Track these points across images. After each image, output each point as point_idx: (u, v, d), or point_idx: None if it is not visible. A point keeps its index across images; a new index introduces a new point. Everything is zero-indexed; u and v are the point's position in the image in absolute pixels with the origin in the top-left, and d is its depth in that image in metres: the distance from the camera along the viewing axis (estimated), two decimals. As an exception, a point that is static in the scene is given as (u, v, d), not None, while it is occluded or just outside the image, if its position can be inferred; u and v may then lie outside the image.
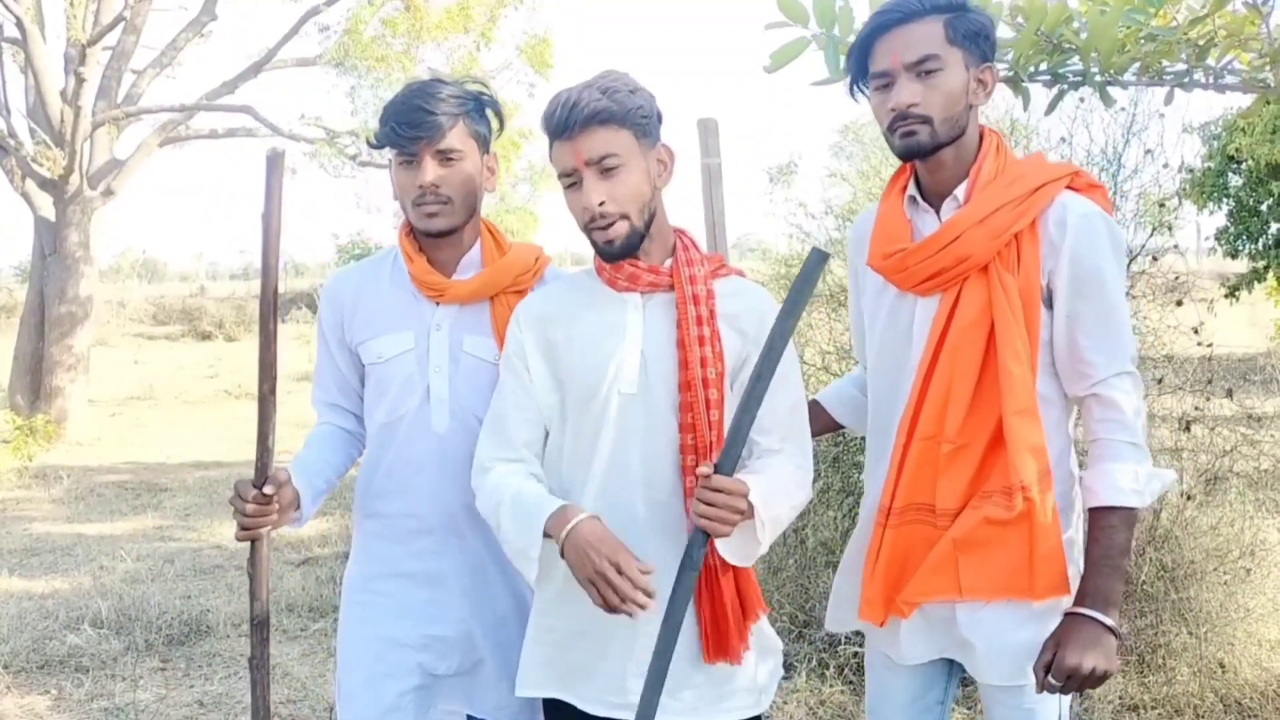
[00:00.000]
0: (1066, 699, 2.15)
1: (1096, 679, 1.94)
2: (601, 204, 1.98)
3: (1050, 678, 1.97)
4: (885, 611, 2.16)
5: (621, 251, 2.02)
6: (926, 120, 2.03)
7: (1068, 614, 2.01)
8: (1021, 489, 2.00)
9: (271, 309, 2.15)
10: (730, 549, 1.98)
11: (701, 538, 1.89)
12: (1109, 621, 1.97)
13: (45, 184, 11.87)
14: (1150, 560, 4.37)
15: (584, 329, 2.08)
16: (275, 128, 12.93)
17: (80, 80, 11.39)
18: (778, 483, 2.00)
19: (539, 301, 2.18)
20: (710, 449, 2.00)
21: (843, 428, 2.53)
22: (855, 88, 2.18)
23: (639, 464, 2.04)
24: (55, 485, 9.23)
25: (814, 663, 4.38)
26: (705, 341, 2.01)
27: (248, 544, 2.21)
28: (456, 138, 2.24)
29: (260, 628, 2.25)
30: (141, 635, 5.18)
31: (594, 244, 2.04)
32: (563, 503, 1.98)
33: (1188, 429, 5.14)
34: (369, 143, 2.33)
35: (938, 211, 2.14)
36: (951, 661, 2.25)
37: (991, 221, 2.03)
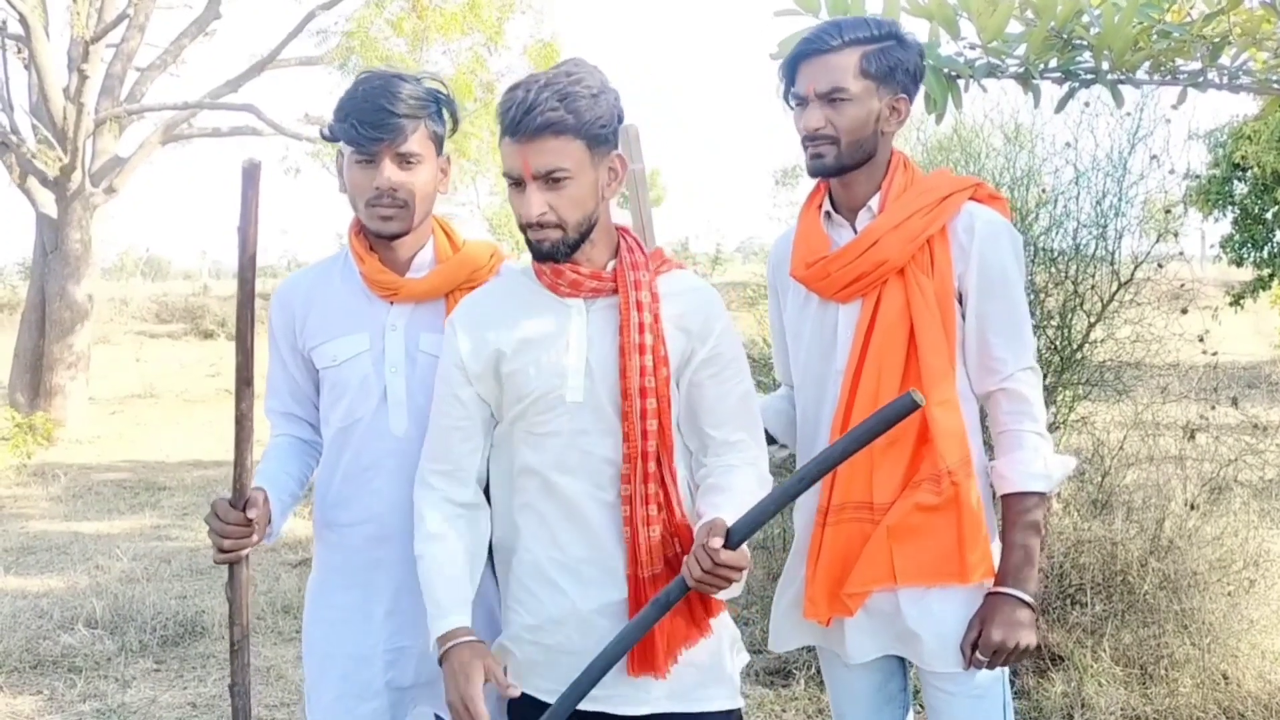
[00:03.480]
0: (1004, 682, 2.27)
1: (1020, 653, 2.12)
2: (542, 214, 1.95)
3: (978, 654, 2.14)
4: (829, 609, 2.25)
5: (550, 253, 1.99)
6: (834, 142, 2.18)
7: (990, 593, 2.17)
8: (948, 474, 2.14)
9: (249, 324, 2.04)
10: None
11: (682, 587, 1.89)
12: (1028, 598, 2.14)
13: (47, 181, 11.86)
14: (1153, 570, 4.33)
15: (526, 335, 2.04)
16: (278, 127, 12.93)
17: (83, 77, 11.38)
18: (748, 497, 1.97)
19: (474, 305, 2.13)
20: (647, 459, 1.99)
21: (774, 442, 2.54)
22: (786, 100, 2.29)
23: (589, 469, 2.03)
24: (53, 483, 9.20)
25: (812, 670, 4.34)
26: (646, 350, 1.99)
27: (233, 560, 2.11)
28: (417, 141, 2.18)
29: (240, 652, 2.14)
30: (135, 636, 5.14)
31: (528, 241, 2.01)
32: (453, 624, 1.99)
33: (1192, 437, 5.11)
34: (323, 135, 2.25)
35: (853, 224, 2.28)
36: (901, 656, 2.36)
37: (905, 227, 2.18)
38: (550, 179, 1.93)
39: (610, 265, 2.05)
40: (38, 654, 4.93)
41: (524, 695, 2.09)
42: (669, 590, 1.91)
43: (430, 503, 2.10)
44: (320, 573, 2.37)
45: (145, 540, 7.22)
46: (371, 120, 2.13)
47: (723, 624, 2.13)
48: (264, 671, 4.77)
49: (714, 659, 2.10)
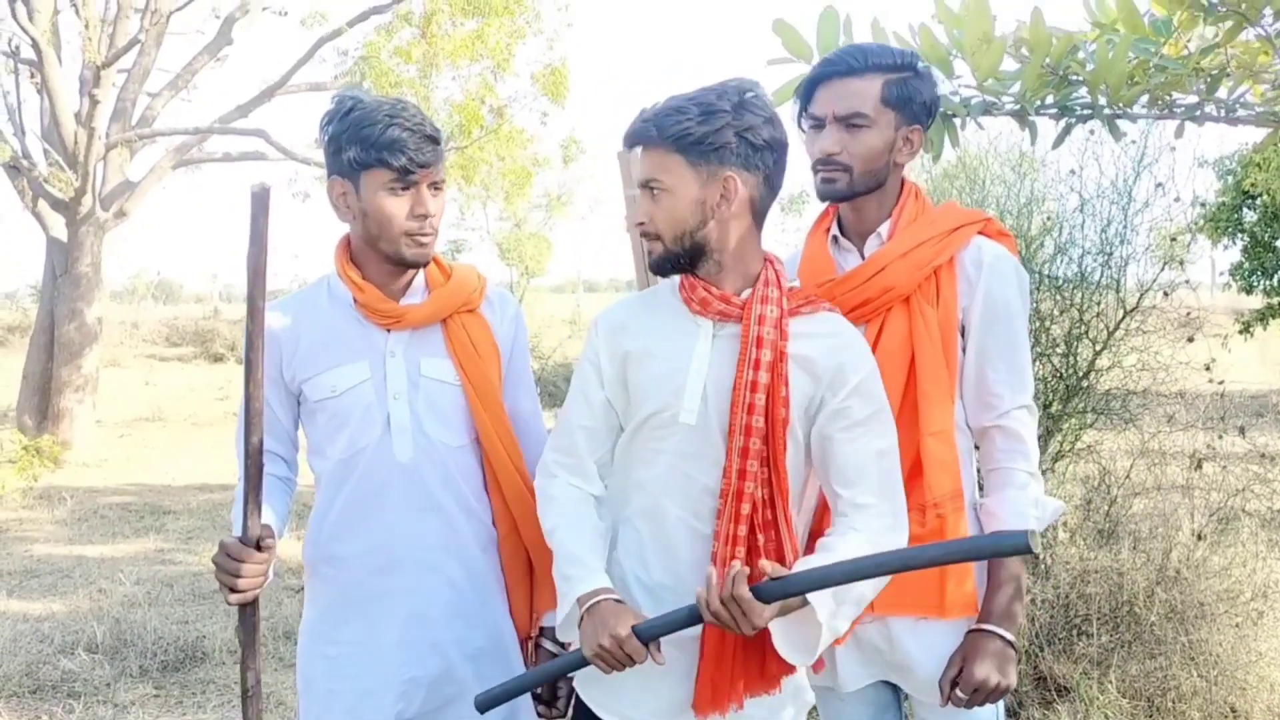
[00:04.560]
0: (1000, 716, 2.26)
1: (1000, 692, 2.10)
2: (641, 223, 2.01)
3: (958, 691, 2.11)
4: None
5: (657, 267, 2.02)
6: (846, 169, 2.17)
7: (972, 631, 2.14)
8: (934, 505, 2.12)
9: (259, 354, 1.98)
10: (788, 648, 1.91)
11: (692, 618, 1.87)
12: (1011, 637, 2.12)
13: (58, 205, 11.91)
14: (1160, 601, 4.29)
15: (654, 346, 2.04)
16: (288, 152, 12.98)
17: (94, 102, 11.43)
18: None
19: (618, 309, 2.15)
20: (740, 498, 1.94)
21: None
22: (799, 122, 2.29)
23: (689, 496, 2.00)
24: (59, 506, 9.20)
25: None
26: (759, 387, 1.93)
27: (249, 600, 2.05)
28: (444, 167, 2.21)
29: (254, 699, 2.07)
30: (136, 661, 5.12)
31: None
32: (598, 583, 1.96)
33: (1199, 467, 5.08)
34: (351, 163, 2.16)
35: (860, 250, 2.28)
36: (895, 685, 2.33)
37: (914, 255, 2.17)
38: (650, 189, 1.98)
39: (745, 293, 2.01)
40: (37, 679, 4.90)
41: (584, 707, 2.12)
42: (686, 608, 1.88)
43: (558, 485, 2.11)
44: (317, 608, 2.32)
45: (149, 564, 7.21)
46: (422, 148, 2.13)
47: (793, 684, 2.08)
48: (263, 698, 4.74)
49: (771, 716, 2.06)
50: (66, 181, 11.60)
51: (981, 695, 2.10)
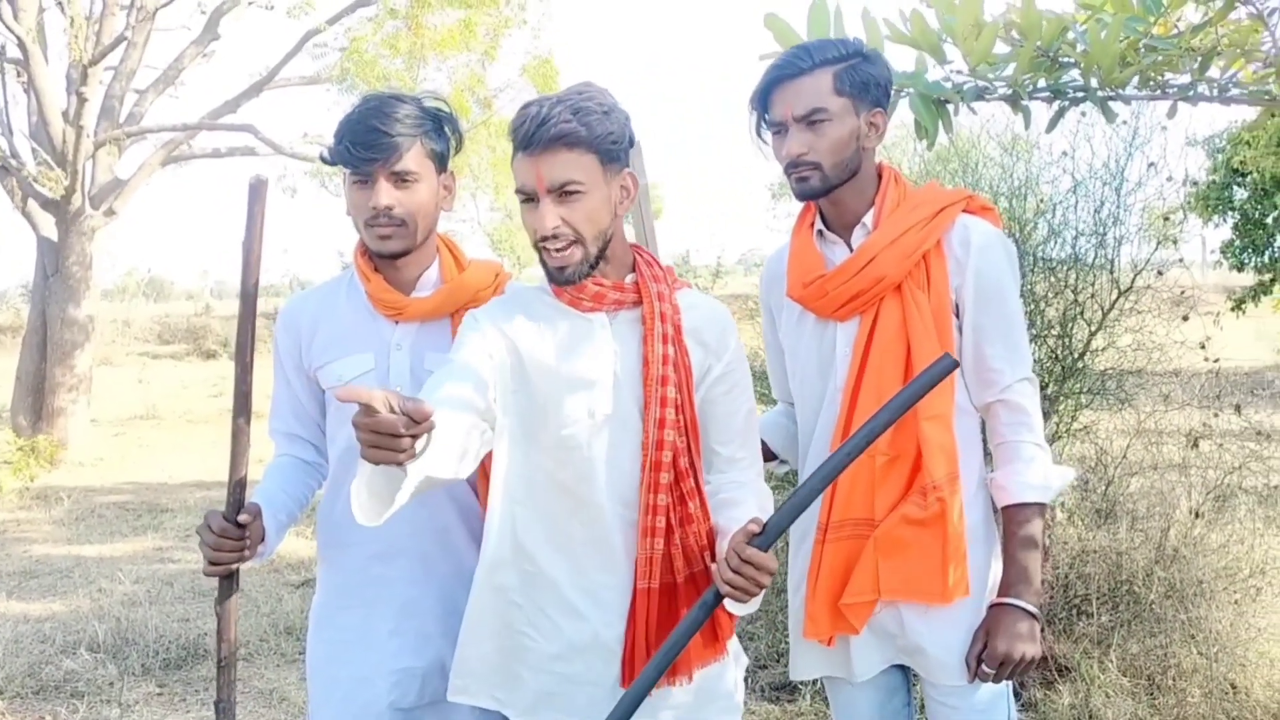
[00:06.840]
0: (1009, 698, 2.28)
1: (1025, 665, 2.13)
2: (555, 227, 1.92)
3: (984, 666, 2.14)
4: (831, 627, 2.24)
5: (571, 279, 1.96)
6: (817, 166, 2.18)
7: (993, 605, 2.18)
8: (934, 489, 2.14)
9: (249, 339, 2.07)
10: (737, 605, 1.94)
11: (715, 599, 1.87)
12: (1031, 608, 2.15)
13: (47, 204, 11.88)
14: (1159, 580, 4.31)
15: (550, 350, 2.01)
16: (277, 146, 12.94)
17: (82, 100, 11.40)
18: (760, 514, 1.95)
19: (499, 307, 2.08)
20: (659, 468, 1.97)
21: (775, 458, 2.56)
22: (759, 132, 2.30)
23: (619, 486, 2.00)
24: (56, 506, 9.19)
25: (818, 684, 4.31)
26: (669, 360, 1.98)
27: (222, 573, 2.13)
28: (413, 159, 2.17)
29: (227, 669, 2.13)
30: (138, 659, 5.12)
31: (544, 264, 1.99)
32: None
33: (1195, 445, 5.08)
34: (322, 159, 2.26)
35: (847, 241, 2.29)
36: (904, 668, 2.36)
37: (901, 243, 2.18)
38: (564, 192, 1.91)
39: (630, 278, 2.04)
40: (40, 679, 4.90)
41: None
42: (700, 604, 1.88)
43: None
44: (323, 594, 2.37)
45: (148, 563, 7.21)
46: (364, 140, 2.13)
47: (733, 648, 2.13)
48: (266, 694, 4.75)
49: (719, 676, 2.09)
50: (55, 180, 11.56)
51: (1007, 669, 2.12)
